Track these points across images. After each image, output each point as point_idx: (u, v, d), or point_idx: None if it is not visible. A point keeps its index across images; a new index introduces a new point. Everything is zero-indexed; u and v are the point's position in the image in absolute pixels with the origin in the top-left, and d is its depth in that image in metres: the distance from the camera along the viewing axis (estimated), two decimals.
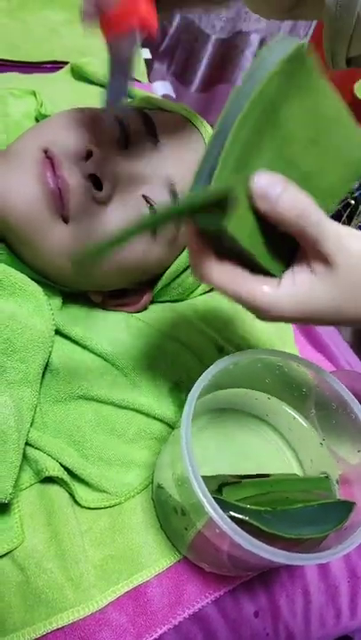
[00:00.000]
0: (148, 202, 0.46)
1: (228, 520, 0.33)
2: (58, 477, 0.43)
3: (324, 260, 0.30)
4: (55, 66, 0.85)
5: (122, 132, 0.47)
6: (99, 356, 0.48)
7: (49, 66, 0.85)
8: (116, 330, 0.51)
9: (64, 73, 0.82)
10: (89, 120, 0.46)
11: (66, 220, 0.43)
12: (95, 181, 0.43)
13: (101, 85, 0.78)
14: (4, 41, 0.85)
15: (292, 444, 0.49)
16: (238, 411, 0.50)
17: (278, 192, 0.28)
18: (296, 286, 0.31)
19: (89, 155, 0.43)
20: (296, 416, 0.48)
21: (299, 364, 0.42)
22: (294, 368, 0.43)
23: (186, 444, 0.35)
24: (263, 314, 0.32)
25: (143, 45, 1.05)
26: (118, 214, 0.45)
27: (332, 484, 0.43)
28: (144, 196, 0.46)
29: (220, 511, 0.33)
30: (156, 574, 0.43)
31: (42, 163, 0.42)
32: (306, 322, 0.33)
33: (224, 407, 0.50)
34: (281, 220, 0.29)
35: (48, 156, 0.43)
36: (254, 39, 1.68)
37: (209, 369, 0.39)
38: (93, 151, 0.43)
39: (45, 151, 0.43)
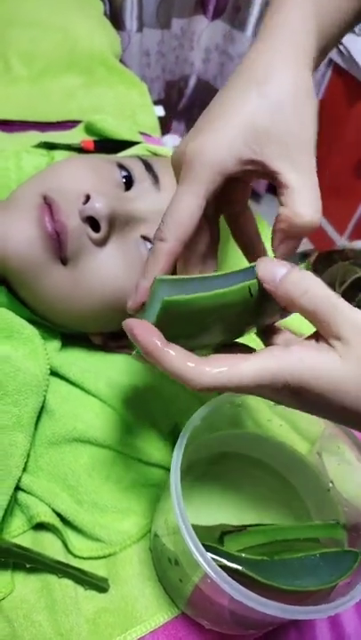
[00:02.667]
0: (148, 241, 0.46)
1: (215, 565, 0.30)
2: (49, 524, 0.42)
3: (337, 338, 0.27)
4: (71, 124, 0.89)
5: (124, 175, 0.48)
6: (95, 397, 0.48)
7: (65, 124, 0.89)
8: (115, 371, 0.50)
9: (78, 130, 0.86)
10: (87, 165, 0.47)
11: (64, 262, 0.44)
12: (92, 223, 0.44)
13: (112, 140, 0.82)
14: (25, 105, 0.90)
15: (299, 491, 0.47)
16: (243, 455, 0.48)
17: (283, 273, 0.28)
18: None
19: (87, 199, 0.44)
20: (302, 459, 0.46)
21: None
22: None
23: (175, 486, 0.34)
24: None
25: (157, 103, 1.11)
26: (116, 255, 0.45)
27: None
28: (143, 237, 0.46)
29: (207, 555, 0.31)
30: (152, 630, 0.40)
31: (40, 208, 0.44)
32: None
33: (228, 450, 0.48)
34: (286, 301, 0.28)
35: (47, 202, 0.44)
36: None
37: (200, 409, 0.38)
38: (91, 194, 0.43)
39: (45, 197, 0.44)
